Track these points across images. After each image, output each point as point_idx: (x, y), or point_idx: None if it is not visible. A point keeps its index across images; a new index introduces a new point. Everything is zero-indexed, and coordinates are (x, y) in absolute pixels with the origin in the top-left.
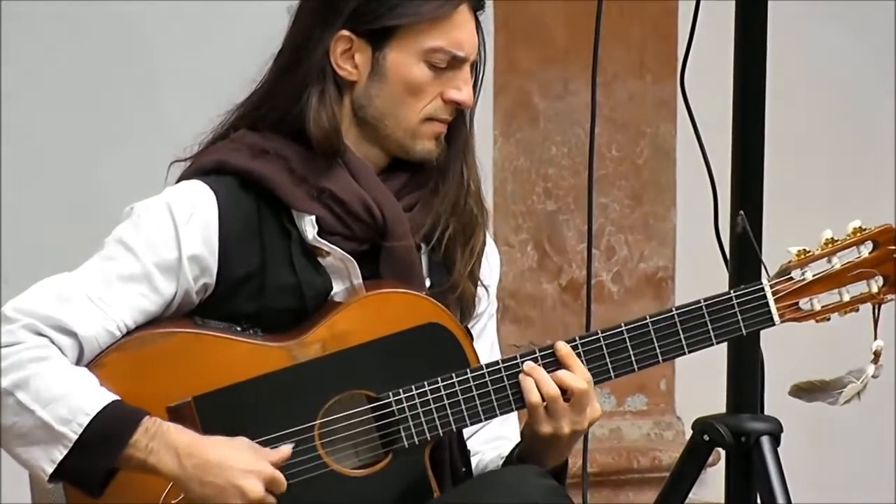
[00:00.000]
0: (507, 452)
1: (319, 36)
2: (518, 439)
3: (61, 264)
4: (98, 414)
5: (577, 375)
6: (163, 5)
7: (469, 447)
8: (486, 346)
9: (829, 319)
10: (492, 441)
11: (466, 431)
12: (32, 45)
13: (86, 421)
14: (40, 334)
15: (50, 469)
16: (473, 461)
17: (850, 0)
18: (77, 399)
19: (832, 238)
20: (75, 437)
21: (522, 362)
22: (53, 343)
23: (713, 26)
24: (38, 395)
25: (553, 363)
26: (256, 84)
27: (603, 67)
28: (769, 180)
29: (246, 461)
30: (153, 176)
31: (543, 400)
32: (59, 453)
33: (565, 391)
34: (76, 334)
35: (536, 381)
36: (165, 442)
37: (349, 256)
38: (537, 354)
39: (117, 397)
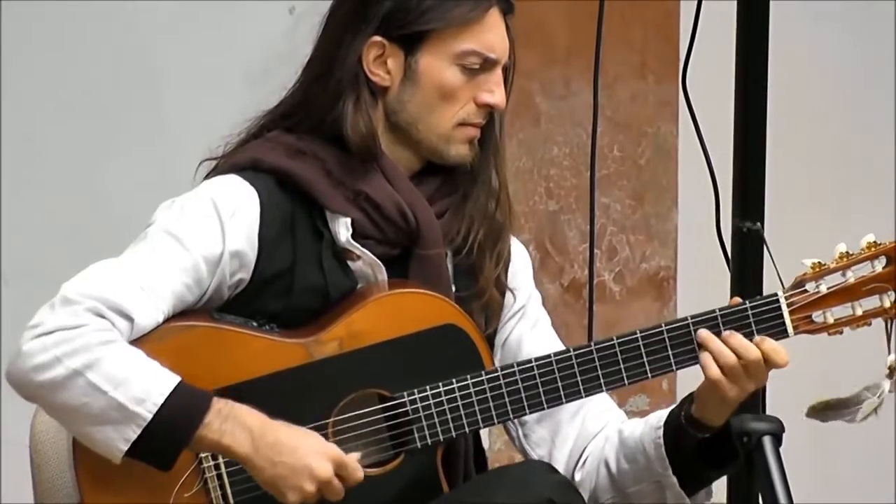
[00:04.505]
0: (657, 421)
1: (351, 42)
2: (613, 406)
3: (61, 264)
4: (172, 393)
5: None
6: (163, 5)
7: (582, 431)
8: (546, 336)
9: (841, 333)
10: (601, 414)
11: (561, 415)
12: (32, 45)
13: (160, 400)
14: (102, 316)
15: (125, 447)
16: (599, 442)
17: (854, 1)
18: (148, 379)
19: (847, 252)
20: (150, 416)
21: (537, 365)
22: (114, 326)
23: (715, 27)
24: (110, 376)
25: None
26: (286, 91)
27: (605, 68)
28: (771, 182)
29: (317, 444)
30: (153, 176)
31: (723, 372)
32: (133, 433)
33: (741, 358)
34: (133, 320)
35: (713, 354)
36: (240, 423)
37: (378, 261)
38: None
39: (181, 378)
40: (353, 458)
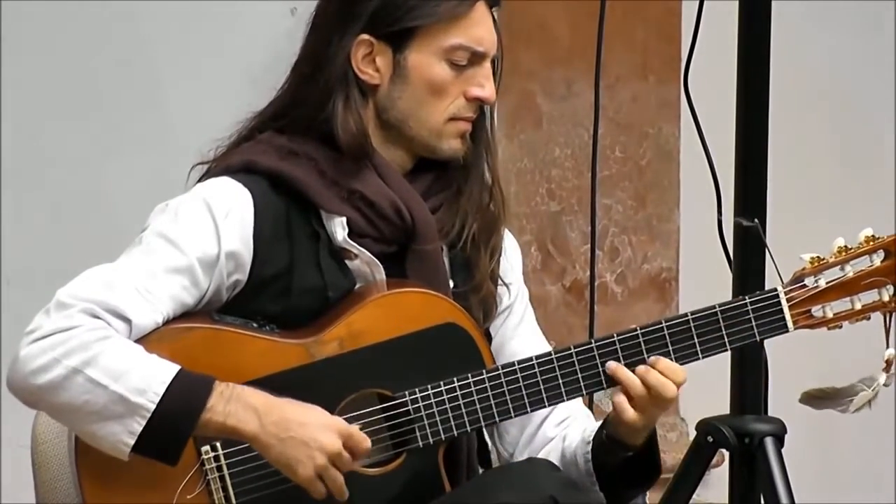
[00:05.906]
0: (589, 435)
1: (339, 42)
2: (583, 412)
3: (62, 264)
4: (173, 381)
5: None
6: (163, 5)
7: (542, 435)
8: (530, 334)
9: (840, 327)
10: (560, 423)
11: (536, 419)
12: (32, 46)
13: (162, 389)
14: (97, 317)
15: (131, 441)
16: (553, 446)
17: (854, 1)
18: (148, 370)
19: (845, 246)
20: (153, 406)
21: (538, 363)
22: (110, 326)
23: (716, 28)
24: (108, 370)
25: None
26: (276, 93)
27: (606, 69)
28: (772, 181)
29: (323, 417)
30: (153, 176)
31: (631, 398)
32: (139, 424)
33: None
34: (130, 321)
35: (624, 384)
36: (244, 403)
37: (375, 260)
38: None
39: (181, 366)
40: (357, 428)
